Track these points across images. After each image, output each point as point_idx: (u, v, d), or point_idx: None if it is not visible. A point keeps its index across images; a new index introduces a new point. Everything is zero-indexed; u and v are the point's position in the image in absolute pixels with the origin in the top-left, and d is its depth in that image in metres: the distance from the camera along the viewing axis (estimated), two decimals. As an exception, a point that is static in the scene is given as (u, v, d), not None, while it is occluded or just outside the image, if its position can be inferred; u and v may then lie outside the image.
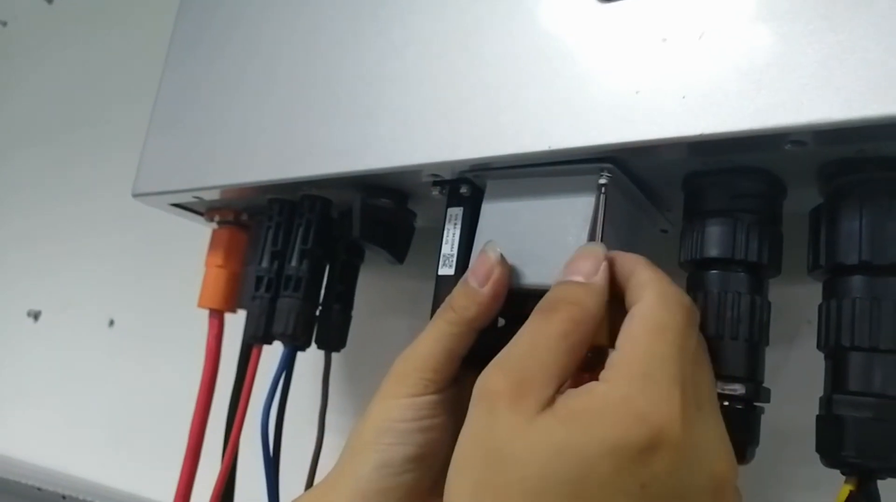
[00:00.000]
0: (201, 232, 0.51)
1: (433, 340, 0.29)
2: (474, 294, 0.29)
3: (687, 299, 0.25)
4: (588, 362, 0.26)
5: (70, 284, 0.83)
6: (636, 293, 0.25)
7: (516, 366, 0.24)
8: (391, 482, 0.27)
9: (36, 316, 0.85)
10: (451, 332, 0.28)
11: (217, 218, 0.47)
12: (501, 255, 0.30)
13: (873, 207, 0.25)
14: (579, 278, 0.26)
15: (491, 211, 0.32)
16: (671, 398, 0.22)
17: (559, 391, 0.24)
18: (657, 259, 0.28)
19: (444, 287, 0.34)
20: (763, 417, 0.28)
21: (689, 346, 0.24)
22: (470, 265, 0.30)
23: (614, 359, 0.24)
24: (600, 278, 0.26)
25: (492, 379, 0.24)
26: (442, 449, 0.27)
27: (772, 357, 0.29)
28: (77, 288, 0.82)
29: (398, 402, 0.28)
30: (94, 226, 0.82)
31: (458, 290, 0.29)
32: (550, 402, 0.23)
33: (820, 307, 0.27)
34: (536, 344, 0.24)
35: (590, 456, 0.21)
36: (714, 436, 0.23)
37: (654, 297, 0.24)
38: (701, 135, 0.26)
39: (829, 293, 0.27)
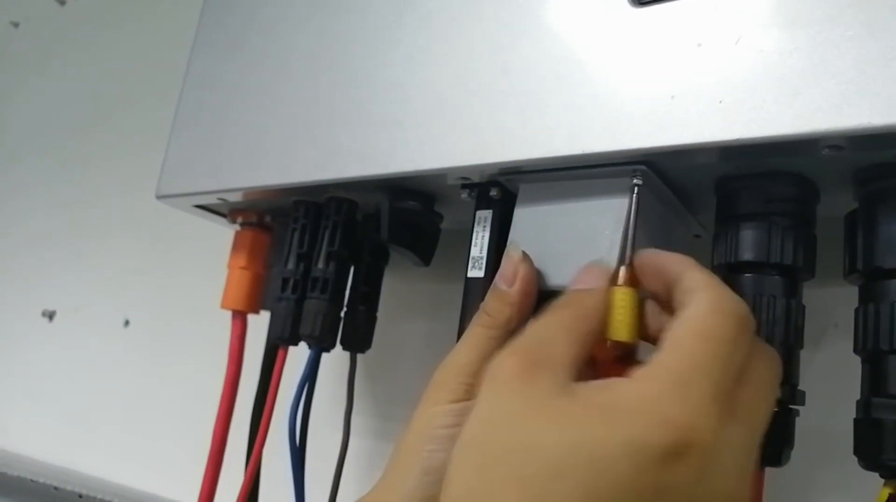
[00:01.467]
0: (217, 231, 0.51)
1: (471, 346, 0.29)
2: (505, 295, 0.29)
3: (742, 308, 0.24)
4: (616, 357, 0.27)
5: (85, 284, 0.83)
6: (686, 297, 0.24)
7: (528, 349, 0.24)
8: (437, 489, 0.26)
9: (51, 316, 0.85)
10: (489, 336, 0.29)
11: (240, 219, 0.47)
12: (524, 253, 0.30)
13: (911, 212, 0.25)
14: (581, 286, 0.27)
15: (524, 214, 0.32)
16: (705, 408, 0.21)
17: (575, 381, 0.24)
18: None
19: (473, 289, 0.35)
20: (793, 420, 0.28)
21: (736, 358, 0.23)
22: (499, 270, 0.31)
23: (653, 360, 0.23)
24: (601, 285, 0.27)
25: (505, 361, 0.24)
26: None
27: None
28: (92, 288, 0.82)
29: (440, 409, 0.28)
30: (109, 225, 0.82)
31: (489, 295, 0.30)
32: (567, 388, 0.23)
33: (857, 311, 0.27)
34: (548, 331, 0.25)
35: (609, 453, 0.21)
36: (742, 457, 0.22)
37: (706, 303, 0.24)
38: (738, 140, 0.26)
39: (866, 297, 0.27)
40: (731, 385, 0.23)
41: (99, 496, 0.65)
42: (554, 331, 0.25)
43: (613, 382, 0.23)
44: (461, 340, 0.30)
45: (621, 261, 0.28)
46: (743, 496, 0.22)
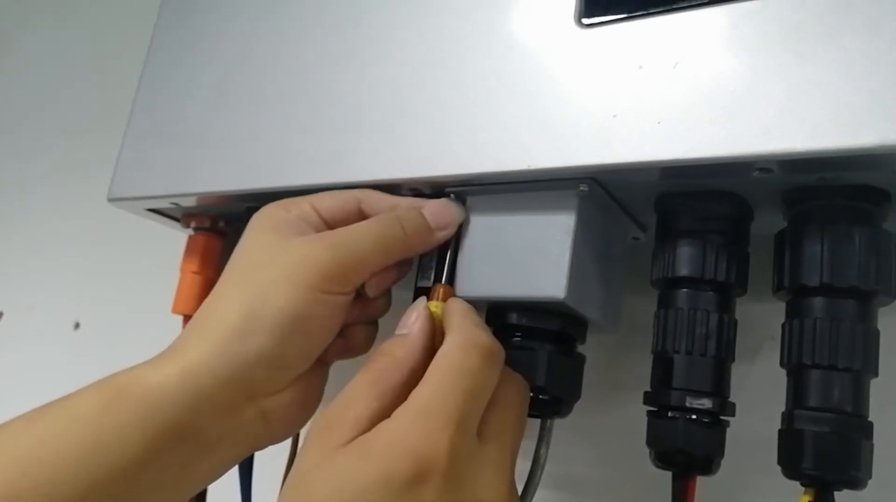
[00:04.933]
0: (171, 234, 0.50)
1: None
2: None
3: (487, 341, 0.27)
4: None
5: (34, 284, 0.81)
6: (445, 338, 0.28)
7: (331, 412, 0.27)
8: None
9: (-3, 317, 0.83)
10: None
11: (193, 224, 0.47)
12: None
13: (834, 232, 0.27)
14: (403, 331, 0.29)
15: (473, 225, 0.33)
16: (441, 433, 0.24)
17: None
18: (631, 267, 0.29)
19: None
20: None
21: (479, 386, 0.26)
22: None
23: (410, 395, 0.26)
24: (415, 330, 0.29)
25: (312, 424, 0.27)
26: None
27: (735, 372, 0.30)
28: (41, 288, 0.80)
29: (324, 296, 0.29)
30: (60, 223, 0.80)
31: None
32: (349, 442, 0.25)
33: (783, 326, 0.28)
34: (351, 391, 0.27)
35: (366, 486, 0.24)
36: (491, 471, 0.26)
37: (453, 340, 0.27)
38: (675, 160, 0.27)
39: (791, 313, 0.28)
40: (475, 410, 0.26)
41: (43, 502, 0.64)
42: (357, 390, 0.27)
43: (380, 425, 0.26)
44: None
45: (437, 279, 0.32)
46: (500, 499, 0.25)
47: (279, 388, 0.30)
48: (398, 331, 0.30)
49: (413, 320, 0.29)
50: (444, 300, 0.31)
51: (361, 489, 0.24)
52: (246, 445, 0.30)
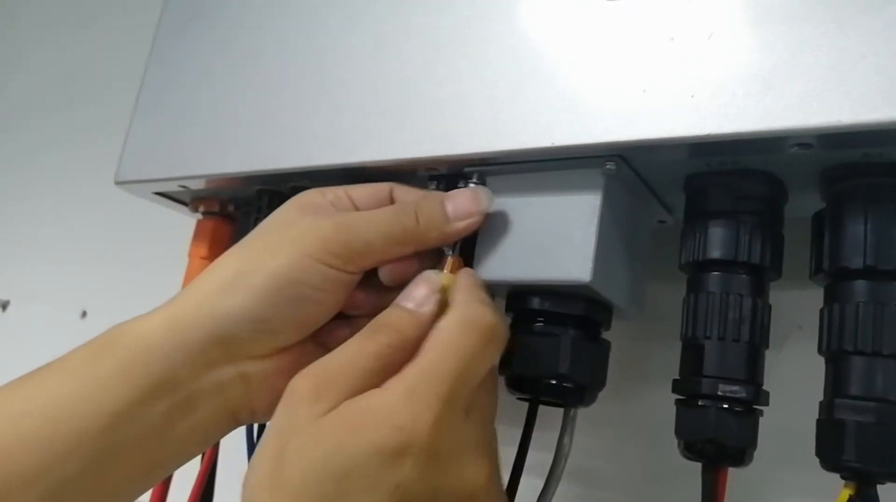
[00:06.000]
0: (179, 220, 0.49)
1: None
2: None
3: (488, 321, 0.27)
4: None
5: (41, 273, 0.80)
6: (447, 312, 0.27)
7: (323, 374, 0.26)
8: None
9: (4, 306, 0.82)
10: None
11: (202, 208, 0.46)
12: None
13: (878, 212, 0.25)
14: (410, 305, 0.28)
15: (494, 206, 0.32)
16: (428, 411, 0.24)
17: None
18: (655, 250, 0.28)
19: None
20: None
21: (473, 366, 0.26)
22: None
23: (404, 367, 0.26)
24: (428, 309, 0.28)
25: (298, 382, 0.26)
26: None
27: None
28: (48, 276, 0.79)
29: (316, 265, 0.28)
30: (66, 211, 0.80)
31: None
32: (338, 408, 0.25)
33: (822, 311, 0.27)
34: (350, 359, 0.26)
35: (355, 455, 0.24)
36: (473, 449, 0.26)
37: (453, 316, 0.27)
38: (708, 136, 0.26)
39: (831, 297, 0.27)
40: (466, 390, 0.26)
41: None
42: (357, 358, 0.26)
43: (370, 393, 0.25)
44: None
45: (451, 251, 0.31)
46: (483, 475, 0.26)
47: (263, 353, 0.29)
48: (404, 303, 0.28)
49: (425, 297, 0.28)
50: (454, 272, 0.30)
51: (351, 456, 0.24)
52: (225, 410, 0.29)
